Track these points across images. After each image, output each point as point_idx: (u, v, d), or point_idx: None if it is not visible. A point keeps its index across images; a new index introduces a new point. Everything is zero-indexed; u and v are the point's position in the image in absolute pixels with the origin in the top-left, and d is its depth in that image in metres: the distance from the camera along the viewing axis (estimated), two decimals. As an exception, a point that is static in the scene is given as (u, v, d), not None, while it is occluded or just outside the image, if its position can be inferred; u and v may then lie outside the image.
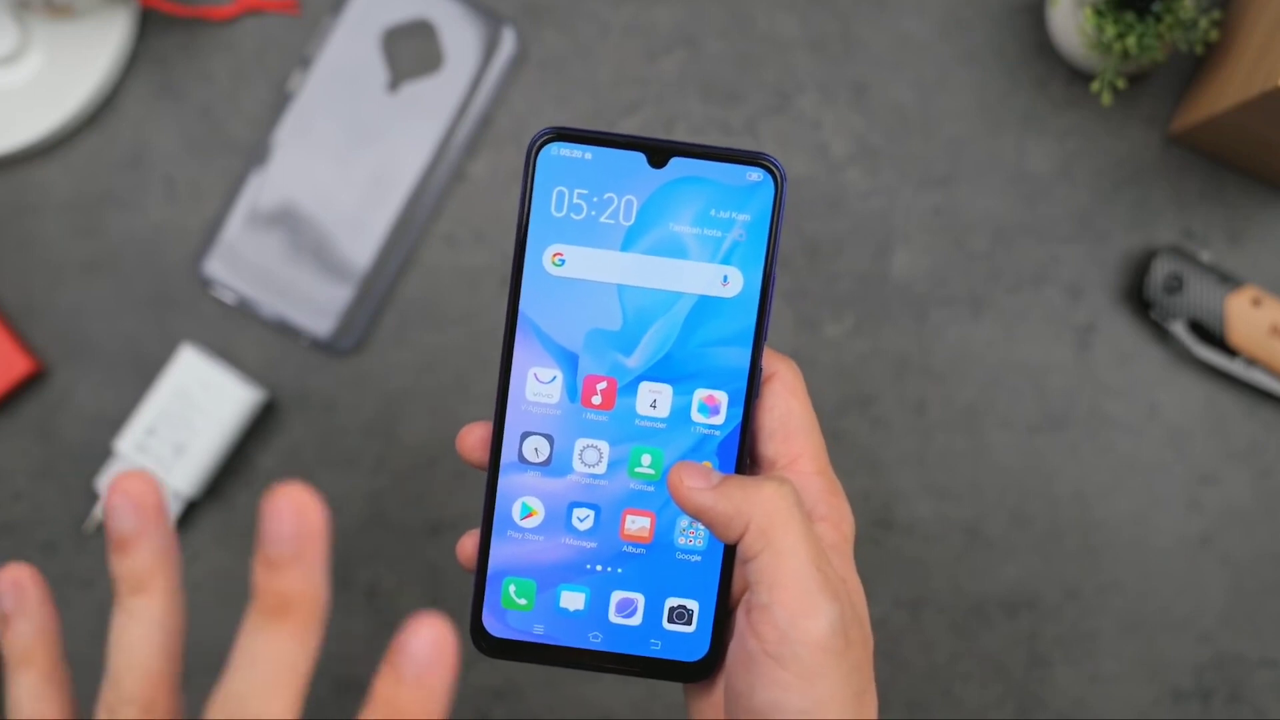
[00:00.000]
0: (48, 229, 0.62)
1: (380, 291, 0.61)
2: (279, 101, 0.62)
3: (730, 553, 0.36)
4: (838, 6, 0.62)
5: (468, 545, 0.37)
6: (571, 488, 0.36)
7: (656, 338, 0.36)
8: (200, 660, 0.61)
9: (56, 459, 0.61)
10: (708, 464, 0.35)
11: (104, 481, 0.59)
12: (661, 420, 0.36)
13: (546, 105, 0.62)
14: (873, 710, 0.33)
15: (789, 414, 0.35)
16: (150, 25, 0.62)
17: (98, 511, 0.60)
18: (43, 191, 0.62)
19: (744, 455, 0.36)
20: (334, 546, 0.61)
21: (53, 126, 0.61)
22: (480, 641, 0.36)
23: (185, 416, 0.59)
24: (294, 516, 0.26)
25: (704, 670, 0.36)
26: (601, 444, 0.36)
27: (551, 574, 0.36)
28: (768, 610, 0.31)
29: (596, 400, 0.36)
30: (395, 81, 0.62)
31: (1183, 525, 0.60)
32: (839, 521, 0.35)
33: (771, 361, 0.36)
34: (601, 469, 0.36)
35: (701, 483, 0.33)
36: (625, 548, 0.36)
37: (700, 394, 0.36)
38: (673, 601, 0.36)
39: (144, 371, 0.61)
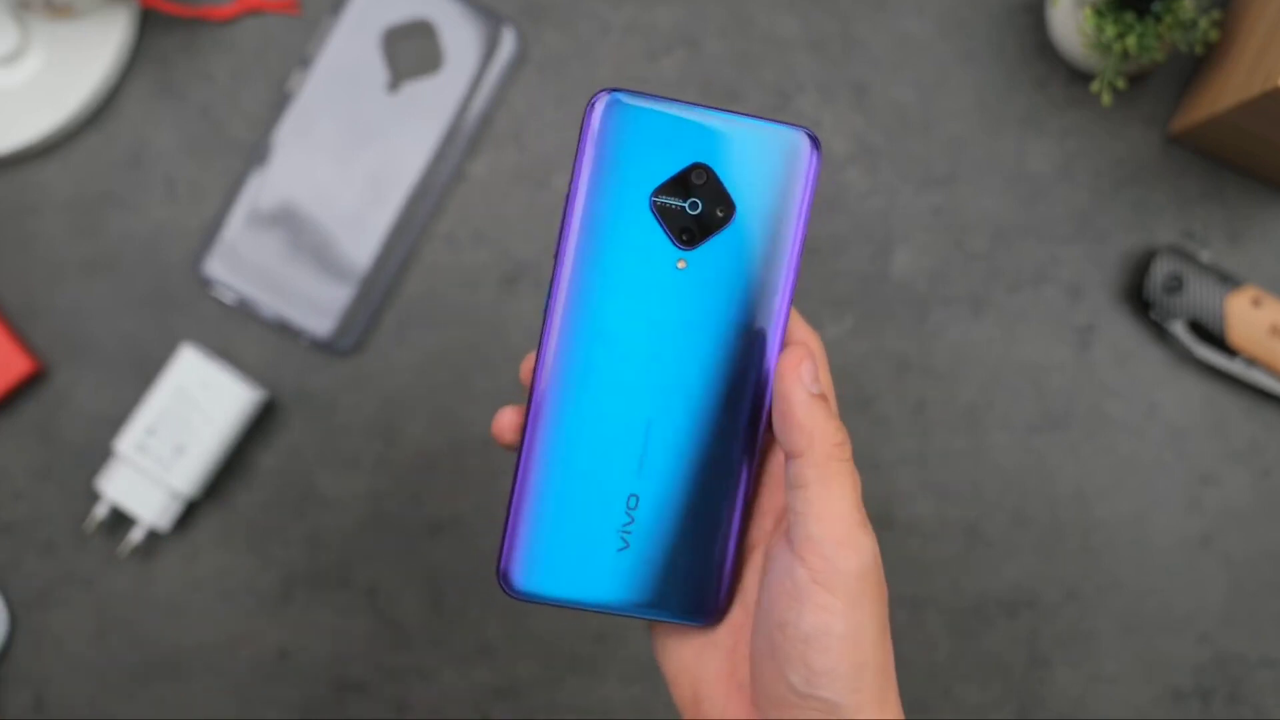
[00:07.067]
0: (48, 229, 0.62)
1: (380, 291, 0.61)
2: (279, 101, 0.62)
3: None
4: (838, 6, 0.62)
5: (505, 419, 0.38)
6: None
7: None
8: (200, 660, 0.61)
9: (56, 459, 0.61)
10: (812, 363, 0.35)
11: (104, 481, 0.59)
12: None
13: (546, 105, 0.62)
14: (891, 650, 0.35)
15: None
16: (150, 25, 0.62)
17: (98, 511, 0.60)
18: (43, 191, 0.62)
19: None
20: (334, 546, 0.61)
21: (53, 126, 0.61)
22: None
23: (185, 416, 0.59)
24: None
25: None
26: None
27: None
28: (814, 542, 0.33)
29: None
30: (395, 81, 0.62)
31: (1183, 525, 0.60)
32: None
33: (797, 329, 0.38)
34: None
35: (809, 381, 0.35)
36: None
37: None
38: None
39: (144, 371, 0.61)
